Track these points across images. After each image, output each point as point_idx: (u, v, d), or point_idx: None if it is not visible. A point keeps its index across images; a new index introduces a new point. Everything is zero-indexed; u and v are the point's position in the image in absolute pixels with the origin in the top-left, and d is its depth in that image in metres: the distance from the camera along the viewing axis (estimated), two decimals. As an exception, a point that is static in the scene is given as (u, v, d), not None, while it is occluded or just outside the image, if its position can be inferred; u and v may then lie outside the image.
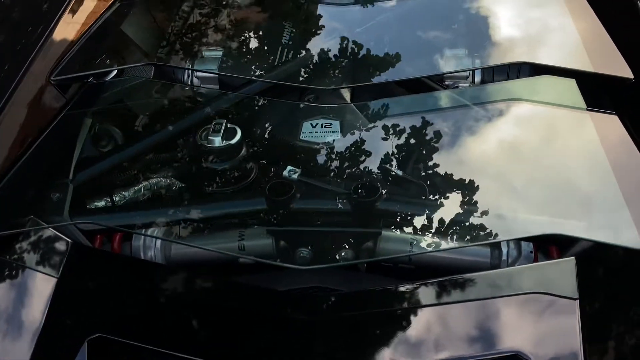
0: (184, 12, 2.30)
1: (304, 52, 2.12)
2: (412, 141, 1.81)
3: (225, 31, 2.25)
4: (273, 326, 1.40)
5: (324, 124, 1.86)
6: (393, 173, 1.72)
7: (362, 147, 1.80)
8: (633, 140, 1.66)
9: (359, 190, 1.65)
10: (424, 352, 1.32)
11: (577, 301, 1.35)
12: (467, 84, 2.01)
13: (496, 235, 1.58)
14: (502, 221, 1.61)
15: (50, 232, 1.54)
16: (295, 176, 1.70)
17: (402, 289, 1.43)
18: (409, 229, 1.62)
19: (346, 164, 1.77)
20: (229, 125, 1.80)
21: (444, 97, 1.94)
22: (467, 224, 1.59)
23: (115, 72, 2.01)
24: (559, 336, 1.32)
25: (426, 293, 1.42)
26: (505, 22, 2.12)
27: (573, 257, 1.44)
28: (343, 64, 2.05)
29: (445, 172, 1.70)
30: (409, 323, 1.38)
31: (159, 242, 1.64)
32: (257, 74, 2.08)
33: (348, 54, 2.07)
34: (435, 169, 1.73)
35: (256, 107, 2.03)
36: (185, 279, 1.54)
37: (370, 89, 2.02)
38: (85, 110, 1.91)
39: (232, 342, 1.38)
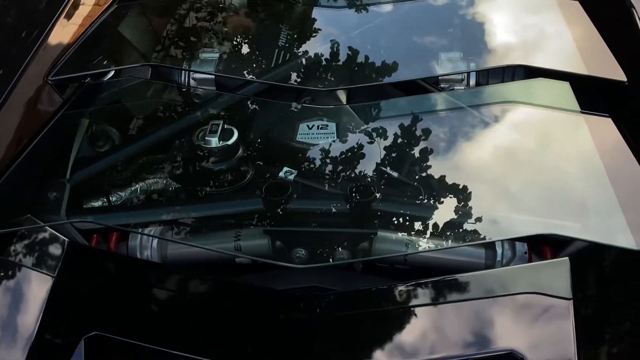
0: (181, 14, 2.30)
1: (300, 54, 2.13)
2: (408, 143, 1.82)
3: (222, 33, 2.25)
4: (269, 325, 1.41)
5: (320, 126, 1.87)
6: (388, 174, 1.72)
7: (358, 149, 1.80)
8: (626, 142, 1.67)
9: (355, 191, 1.65)
10: (419, 351, 1.32)
11: (571, 301, 1.36)
12: (462, 87, 2.02)
13: (490, 235, 1.59)
14: (497, 222, 1.62)
15: (47, 231, 1.54)
16: (291, 177, 1.70)
17: (397, 288, 1.43)
18: (404, 230, 1.62)
19: (342, 165, 1.77)
20: (225, 126, 1.81)
21: (439, 99, 1.94)
22: (461, 224, 1.60)
23: (112, 72, 2.01)
24: (553, 335, 1.32)
25: (421, 293, 1.42)
26: (500, 26, 2.12)
27: (567, 258, 1.44)
28: (339, 66, 2.06)
29: (440, 174, 1.71)
30: (404, 322, 1.38)
31: (155, 241, 1.64)
32: (253, 75, 2.09)
33: (344, 56, 2.07)
34: (430, 171, 1.73)
35: (253, 109, 2.03)
36: (181, 279, 1.54)
37: (366, 91, 2.02)
38: (83, 110, 1.91)
39: (228, 341, 1.38)
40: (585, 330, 1.31)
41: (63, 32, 1.97)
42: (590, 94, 1.85)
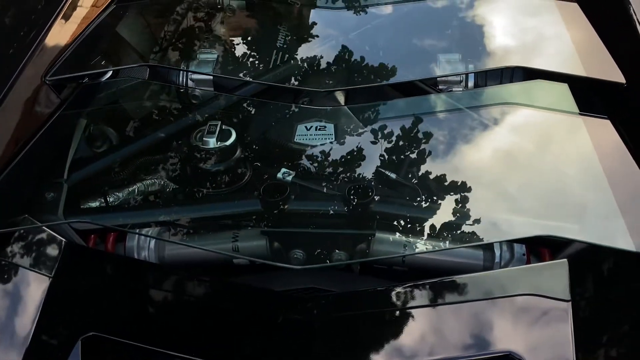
0: (179, 14, 2.30)
1: (298, 55, 2.12)
2: (406, 144, 1.82)
3: (220, 34, 2.25)
4: (267, 326, 1.40)
5: (319, 127, 1.87)
6: (387, 176, 1.72)
7: (357, 150, 1.80)
8: (625, 144, 1.67)
9: (353, 193, 1.65)
10: (417, 352, 1.32)
11: (570, 303, 1.36)
12: (461, 88, 2.02)
13: (489, 237, 1.59)
14: (495, 223, 1.62)
15: (44, 231, 1.53)
16: (289, 178, 1.70)
17: (395, 290, 1.43)
18: (402, 231, 1.62)
19: (340, 166, 1.77)
20: (223, 126, 1.80)
21: (437, 101, 1.94)
22: (459, 226, 1.60)
23: (110, 73, 2.01)
24: (551, 337, 1.33)
25: (419, 294, 1.42)
26: (499, 28, 2.12)
27: (565, 260, 1.44)
28: (337, 67, 2.06)
29: (438, 175, 1.71)
30: (402, 324, 1.38)
31: (152, 242, 1.64)
32: (251, 76, 2.09)
33: (342, 57, 2.07)
34: (428, 172, 1.73)
35: (251, 109, 2.03)
36: (178, 279, 1.54)
37: (364, 92, 2.02)
38: (80, 110, 1.91)
39: (225, 342, 1.38)
40: (583, 331, 1.31)
41: (61, 32, 1.97)
42: (589, 95, 1.85)
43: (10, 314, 1.41)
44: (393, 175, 1.72)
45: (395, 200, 1.69)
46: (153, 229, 1.65)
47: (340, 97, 1.99)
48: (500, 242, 1.59)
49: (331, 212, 1.64)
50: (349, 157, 1.79)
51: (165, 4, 2.37)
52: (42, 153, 1.73)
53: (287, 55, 2.12)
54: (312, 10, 2.32)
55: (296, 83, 2.03)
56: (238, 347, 1.36)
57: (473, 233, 1.57)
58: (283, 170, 1.72)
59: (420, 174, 1.73)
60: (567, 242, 1.50)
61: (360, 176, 1.74)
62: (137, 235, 1.64)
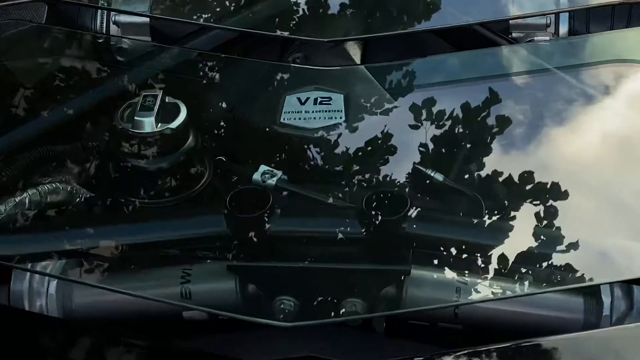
0: None
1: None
2: (460, 127, 1.84)
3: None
4: None
5: (320, 99, 1.87)
6: (429, 177, 1.73)
7: (380, 136, 1.81)
8: None
9: (375, 204, 1.65)
10: None
11: None
12: (548, 37, 2.04)
13: (594, 276, 1.59)
14: (603, 255, 1.63)
15: None
16: (272, 181, 1.70)
17: (443, 361, 1.43)
18: (453, 267, 1.61)
19: (354, 162, 1.79)
20: (167, 99, 1.80)
21: (511, 57, 1.97)
22: (547, 257, 1.60)
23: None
24: None
25: (483, 369, 1.42)
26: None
27: None
28: (349, 4, 2.07)
29: (513, 177, 1.72)
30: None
31: (54, 284, 1.63)
32: (213, 18, 2.09)
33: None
34: (496, 172, 1.74)
35: (211, 72, 2.04)
36: (94, 344, 1.53)
37: (391, 44, 2.04)
38: None
39: None
40: None
41: None
42: None
43: None
44: (440, 177, 1.72)
45: (443, 217, 1.71)
46: (54, 263, 1.64)
47: (355, 50, 2.00)
48: (613, 284, 1.57)
49: (340, 235, 1.64)
50: (368, 147, 1.80)
51: None
52: None
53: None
54: None
55: (285, 27, 2.03)
56: None
57: (569, 269, 1.57)
58: (263, 168, 1.72)
59: (483, 174, 1.74)
60: None
61: (387, 178, 1.75)
62: (28, 274, 1.63)
